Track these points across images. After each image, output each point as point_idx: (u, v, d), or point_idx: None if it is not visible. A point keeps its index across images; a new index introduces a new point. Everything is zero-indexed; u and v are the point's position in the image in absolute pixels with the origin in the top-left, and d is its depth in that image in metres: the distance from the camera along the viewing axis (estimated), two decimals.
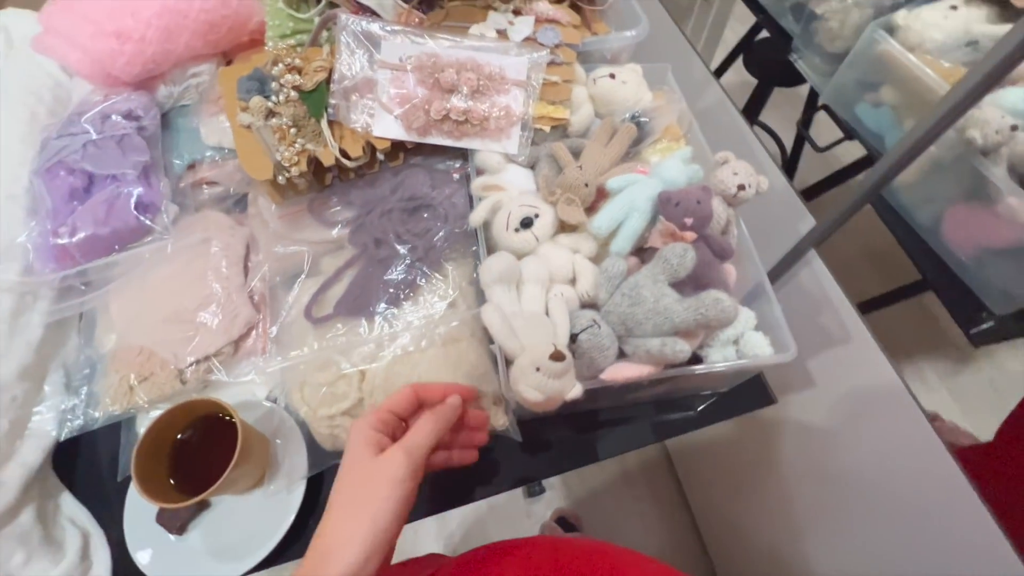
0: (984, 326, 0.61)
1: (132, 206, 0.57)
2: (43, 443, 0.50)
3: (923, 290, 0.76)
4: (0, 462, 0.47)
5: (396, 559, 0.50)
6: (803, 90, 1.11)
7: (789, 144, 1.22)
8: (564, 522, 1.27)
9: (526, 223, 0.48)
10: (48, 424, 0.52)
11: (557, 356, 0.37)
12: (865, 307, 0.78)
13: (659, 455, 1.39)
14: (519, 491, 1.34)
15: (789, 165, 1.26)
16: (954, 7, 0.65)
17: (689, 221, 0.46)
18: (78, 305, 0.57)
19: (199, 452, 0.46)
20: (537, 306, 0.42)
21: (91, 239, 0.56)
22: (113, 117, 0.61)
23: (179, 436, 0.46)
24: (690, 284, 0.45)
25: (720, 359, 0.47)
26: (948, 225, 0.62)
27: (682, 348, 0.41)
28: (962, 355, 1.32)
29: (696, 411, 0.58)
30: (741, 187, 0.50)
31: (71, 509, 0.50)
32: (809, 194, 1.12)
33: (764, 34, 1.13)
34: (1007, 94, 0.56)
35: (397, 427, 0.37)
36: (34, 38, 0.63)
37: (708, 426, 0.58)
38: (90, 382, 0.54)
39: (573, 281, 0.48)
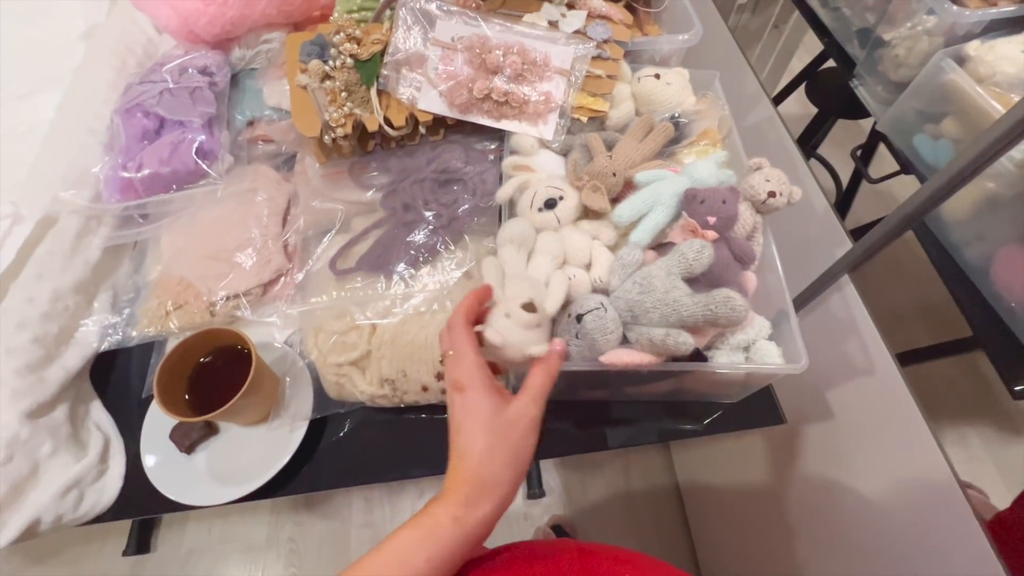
0: None
1: (193, 151, 0.62)
2: (84, 352, 0.55)
3: (972, 348, 0.71)
4: (46, 362, 0.52)
5: None
6: (865, 124, 1.07)
7: (846, 180, 1.17)
8: (559, 530, 1.26)
9: (550, 204, 0.49)
10: (91, 336, 0.56)
11: (528, 307, 0.38)
12: (909, 358, 0.74)
13: (668, 482, 1.35)
14: (519, 491, 1.34)
15: (844, 200, 1.21)
16: None
17: (712, 220, 0.46)
18: (134, 235, 0.63)
19: (217, 377, 0.50)
20: (540, 275, 0.43)
21: (153, 176, 0.61)
22: (190, 70, 0.67)
23: (201, 360, 0.50)
24: (705, 284, 0.45)
25: (729, 362, 0.46)
26: (998, 266, 0.58)
27: (685, 340, 0.40)
28: (1014, 425, 1.22)
29: (702, 421, 0.57)
30: (772, 194, 0.49)
31: (99, 415, 0.55)
32: (860, 233, 1.08)
33: (829, 64, 1.10)
34: None
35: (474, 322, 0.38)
36: None
37: (713, 435, 0.57)
38: (133, 304, 0.59)
39: (589, 267, 0.48)
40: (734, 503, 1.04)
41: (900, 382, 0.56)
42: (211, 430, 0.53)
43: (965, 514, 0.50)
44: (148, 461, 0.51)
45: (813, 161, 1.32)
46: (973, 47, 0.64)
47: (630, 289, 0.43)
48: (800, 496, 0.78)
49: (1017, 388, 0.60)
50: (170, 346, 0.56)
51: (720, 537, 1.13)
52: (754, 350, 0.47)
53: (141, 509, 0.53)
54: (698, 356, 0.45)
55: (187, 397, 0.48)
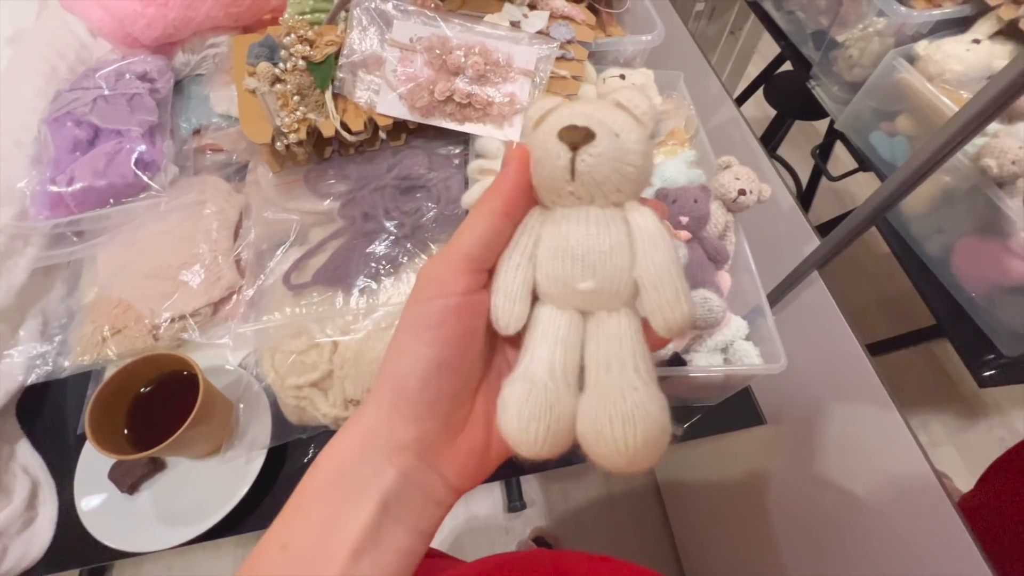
0: (992, 369, 0.58)
1: (132, 162, 0.57)
2: (7, 386, 0.50)
3: (936, 336, 0.73)
4: None
5: None
6: (820, 126, 1.10)
7: (805, 180, 1.21)
8: (542, 542, 1.23)
9: None
10: (16, 368, 0.51)
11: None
12: (875, 349, 0.75)
13: (648, 484, 1.34)
14: (499, 505, 1.30)
15: (804, 199, 1.24)
16: (977, 41, 0.64)
17: (685, 220, 0.45)
18: (67, 254, 0.57)
19: (161, 407, 0.45)
20: None
21: (87, 190, 0.56)
22: (127, 76, 0.62)
23: (141, 390, 0.45)
24: None
25: (707, 366, 0.45)
26: (958, 257, 0.60)
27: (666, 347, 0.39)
28: (972, 411, 1.27)
29: (684, 424, 0.56)
30: (742, 192, 0.48)
31: (25, 457, 0.49)
32: (823, 230, 1.11)
33: (786, 67, 1.13)
34: None
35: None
36: None
37: (695, 440, 0.55)
38: (66, 331, 0.53)
39: None
40: (714, 501, 1.03)
41: (871, 374, 0.56)
42: (156, 466, 0.48)
43: (940, 500, 0.50)
44: (83, 505, 0.46)
45: (773, 162, 1.35)
46: (922, 46, 0.66)
47: None
48: (779, 491, 0.78)
49: (985, 375, 0.61)
50: (109, 376, 0.51)
51: (701, 536, 1.12)
52: (732, 351, 0.46)
53: (79, 559, 0.47)
54: (676, 360, 0.43)
55: (126, 432, 0.44)
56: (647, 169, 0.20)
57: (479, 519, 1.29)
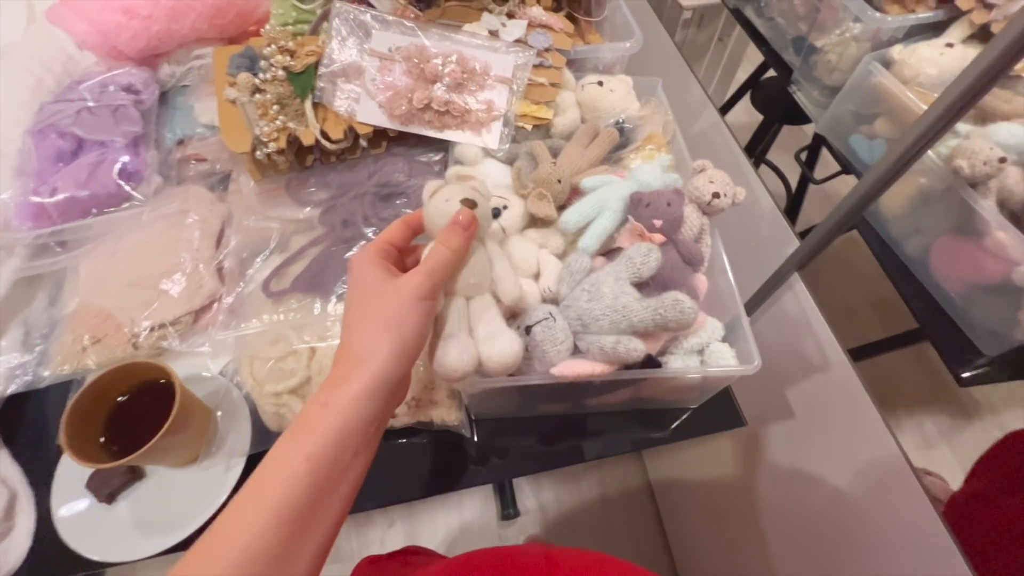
0: (972, 368, 0.58)
1: (115, 173, 0.58)
2: None
3: (919, 340, 0.73)
4: None
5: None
6: (809, 129, 1.11)
7: (796, 184, 1.21)
8: None
9: (495, 213, 0.47)
10: None
11: (468, 203, 0.38)
12: (862, 353, 0.75)
13: (641, 486, 1.34)
14: (492, 513, 1.29)
15: (794, 203, 1.25)
16: (950, 44, 0.65)
17: (658, 223, 0.45)
18: (50, 264, 0.57)
19: (138, 416, 0.45)
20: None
21: (69, 200, 0.56)
22: (111, 88, 0.63)
23: (118, 399, 0.45)
24: (656, 288, 0.44)
25: (682, 368, 0.45)
26: (935, 257, 0.60)
27: (636, 347, 0.39)
28: (966, 411, 1.27)
29: (665, 428, 0.56)
30: (716, 195, 0.49)
31: (5, 468, 0.49)
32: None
33: (771, 73, 1.14)
34: (998, 128, 0.55)
35: (397, 259, 0.37)
36: (48, 10, 0.65)
37: (677, 442, 0.55)
38: (47, 341, 0.53)
39: (537, 276, 0.47)
40: (706, 501, 1.03)
41: (853, 376, 0.56)
42: (135, 475, 0.48)
43: (920, 499, 0.51)
44: (61, 514, 0.46)
45: (763, 167, 1.36)
46: (897, 51, 0.67)
47: (579, 297, 0.42)
48: (767, 490, 0.78)
49: (964, 376, 0.61)
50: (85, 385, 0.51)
51: (695, 538, 1.12)
52: (708, 353, 0.46)
53: (56, 570, 0.47)
54: (651, 362, 0.43)
55: (103, 440, 0.44)
56: (491, 222, 0.40)
57: (473, 529, 1.28)
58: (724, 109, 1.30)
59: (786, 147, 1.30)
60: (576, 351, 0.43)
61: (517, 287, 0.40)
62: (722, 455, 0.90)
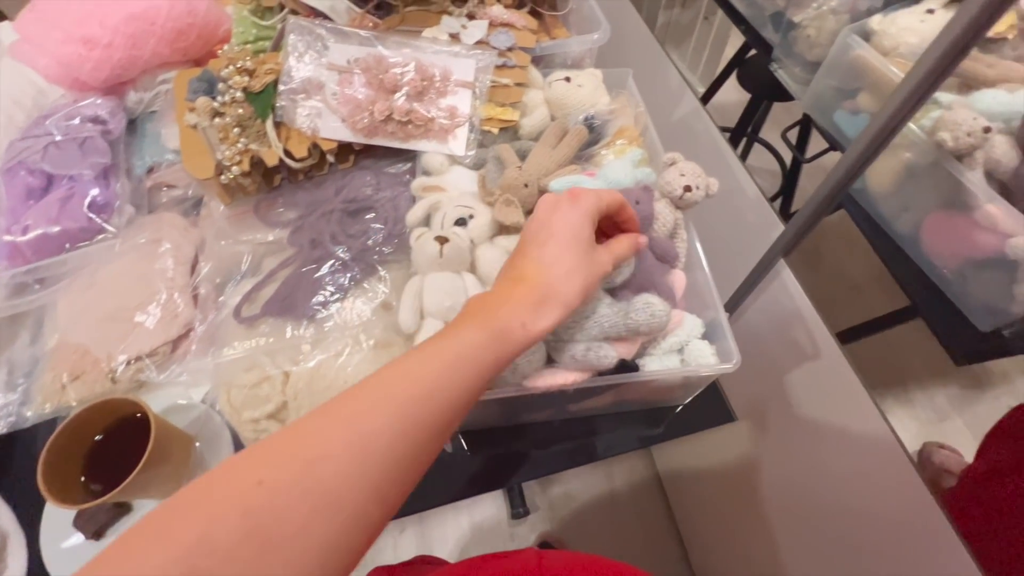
0: (968, 345, 0.57)
1: (85, 206, 0.58)
2: None
3: (910, 317, 0.71)
4: None
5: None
6: (799, 106, 1.08)
7: (790, 162, 1.19)
8: (548, 546, 1.22)
9: (460, 223, 0.46)
10: None
11: None
12: (852, 334, 0.73)
13: (649, 477, 1.33)
14: (503, 513, 1.29)
15: (788, 182, 1.22)
16: (931, 11, 0.62)
17: None
18: (28, 303, 0.57)
19: (117, 454, 0.45)
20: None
21: (42, 238, 0.56)
22: (77, 120, 0.62)
23: (96, 438, 0.45)
24: (632, 289, 0.43)
25: (661, 368, 0.44)
26: (926, 234, 0.58)
27: (607, 354, 0.38)
28: (978, 382, 1.24)
29: (656, 427, 0.55)
30: (688, 188, 0.47)
31: None
32: None
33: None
34: (982, 96, 0.53)
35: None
36: (10, 45, 0.65)
37: (664, 442, 0.55)
38: (29, 379, 0.53)
39: None
40: (712, 487, 1.02)
41: (843, 361, 0.55)
42: (122, 510, 0.48)
43: (914, 481, 0.49)
44: (51, 554, 0.46)
45: (759, 147, 1.33)
46: (876, 21, 0.65)
47: None
48: (770, 476, 0.77)
49: (961, 352, 0.60)
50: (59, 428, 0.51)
51: (703, 521, 1.11)
52: (688, 351, 0.45)
53: None
54: (628, 367, 0.42)
55: (83, 479, 0.44)
56: (467, 257, 0.45)
57: (484, 529, 1.28)
58: (712, 89, 1.27)
59: (781, 123, 1.27)
60: (550, 360, 0.42)
61: None
62: (725, 443, 0.89)
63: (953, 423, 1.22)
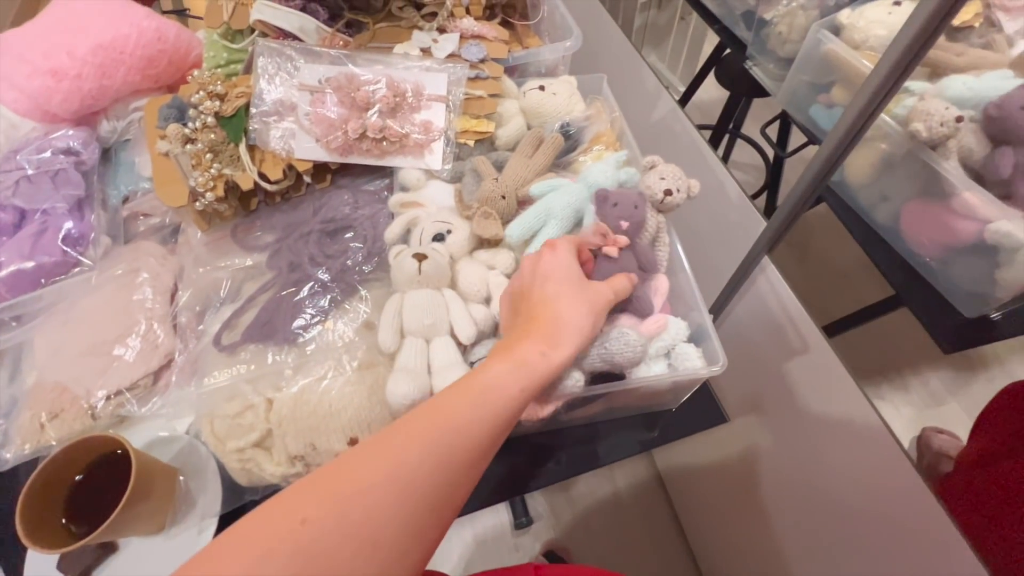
0: (955, 333, 0.57)
1: (60, 239, 0.57)
2: None
3: (895, 307, 0.71)
4: None
5: None
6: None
7: (773, 157, 1.19)
8: (552, 555, 1.21)
9: (438, 239, 0.46)
10: None
11: None
12: (838, 327, 0.74)
13: (650, 477, 1.32)
14: (506, 524, 1.28)
15: (773, 177, 1.23)
16: (897, 3, 0.63)
17: (625, 225, 0.43)
18: (5, 341, 0.56)
19: (99, 492, 0.44)
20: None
21: (16, 274, 0.55)
22: (49, 153, 0.61)
23: (77, 477, 0.44)
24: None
25: (650, 374, 0.44)
26: (905, 223, 0.58)
27: (570, 375, 0.37)
28: (971, 365, 1.25)
29: (650, 431, 0.54)
30: (668, 192, 0.47)
31: None
32: None
33: None
34: (951, 83, 0.53)
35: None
36: None
37: (661, 446, 0.54)
38: (8, 419, 0.52)
39: (489, 300, 0.45)
40: (713, 484, 1.02)
41: (830, 354, 0.55)
42: (108, 549, 0.47)
43: (906, 470, 0.49)
44: None
45: (703, 132, 1.34)
46: (845, 15, 0.65)
47: None
48: (768, 471, 0.77)
49: (948, 340, 0.60)
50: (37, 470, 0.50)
51: (706, 519, 1.11)
52: (674, 355, 0.45)
53: None
54: (611, 376, 0.42)
55: (64, 521, 0.42)
56: (447, 273, 0.45)
57: (487, 542, 1.27)
58: (693, 87, 1.28)
59: (763, 118, 1.28)
60: None
61: (472, 328, 0.42)
62: (722, 440, 0.89)
63: (949, 407, 1.22)
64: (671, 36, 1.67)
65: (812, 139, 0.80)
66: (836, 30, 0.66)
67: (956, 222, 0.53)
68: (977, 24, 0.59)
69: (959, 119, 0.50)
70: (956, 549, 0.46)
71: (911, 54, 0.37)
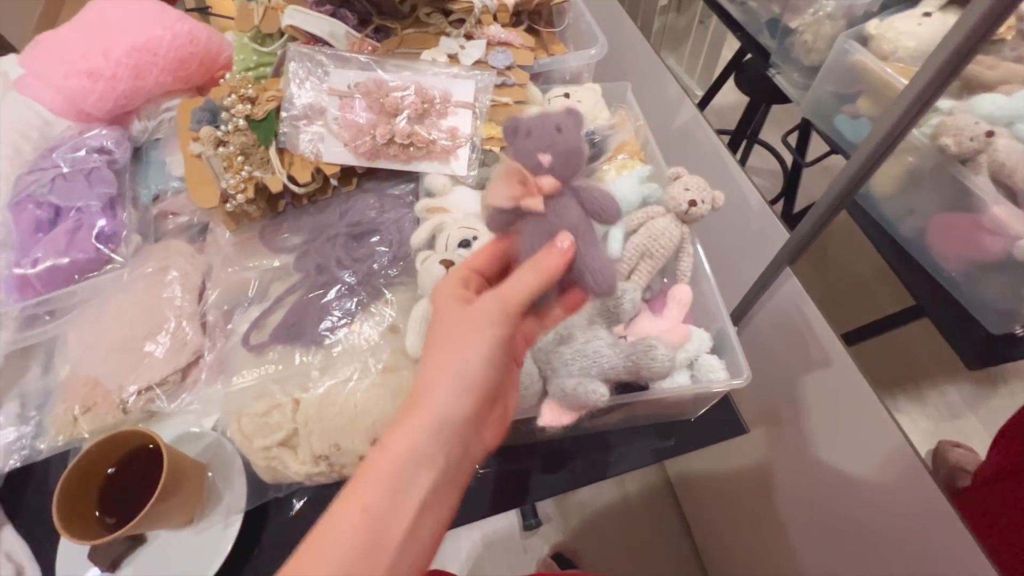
0: (981, 349, 0.56)
1: (93, 236, 0.58)
2: None
3: (917, 317, 0.71)
4: None
5: None
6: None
7: (791, 163, 1.18)
8: (561, 558, 1.21)
9: (464, 245, 0.47)
10: None
11: None
12: (858, 335, 0.73)
13: (660, 482, 1.32)
14: (515, 526, 1.29)
15: (790, 184, 1.22)
16: (927, 14, 0.62)
17: (546, 160, 0.27)
18: (39, 335, 0.58)
19: (130, 486, 0.45)
20: None
21: (51, 269, 0.57)
22: (83, 151, 0.63)
23: (109, 471, 0.45)
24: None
25: (673, 385, 0.44)
26: (932, 237, 0.58)
27: (596, 389, 0.37)
28: (991, 377, 1.23)
29: (668, 440, 0.54)
30: (693, 203, 0.47)
31: (9, 543, 0.50)
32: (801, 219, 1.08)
33: None
34: (981, 101, 0.53)
35: (483, 288, 0.30)
36: (16, 80, 0.66)
37: (676, 456, 0.54)
38: (42, 411, 0.54)
39: None
40: (723, 490, 1.02)
41: (852, 366, 0.55)
42: (136, 541, 0.48)
43: (927, 485, 0.49)
44: None
45: (721, 139, 1.33)
46: (873, 26, 0.65)
47: (550, 338, 0.41)
48: (782, 480, 0.76)
49: (974, 356, 0.59)
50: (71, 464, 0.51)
51: (716, 525, 1.10)
52: (697, 367, 0.45)
53: None
54: (638, 385, 0.42)
55: (97, 514, 0.44)
56: None
57: (496, 543, 1.27)
58: (711, 92, 1.27)
59: (781, 124, 1.26)
60: (545, 393, 0.42)
61: None
62: (735, 448, 0.88)
63: (967, 420, 1.20)
64: (690, 40, 1.66)
65: (835, 149, 0.79)
66: (863, 40, 0.65)
67: (984, 237, 0.52)
68: (1009, 37, 0.58)
69: (990, 133, 0.50)
70: (976, 566, 0.45)
71: (949, 69, 0.36)
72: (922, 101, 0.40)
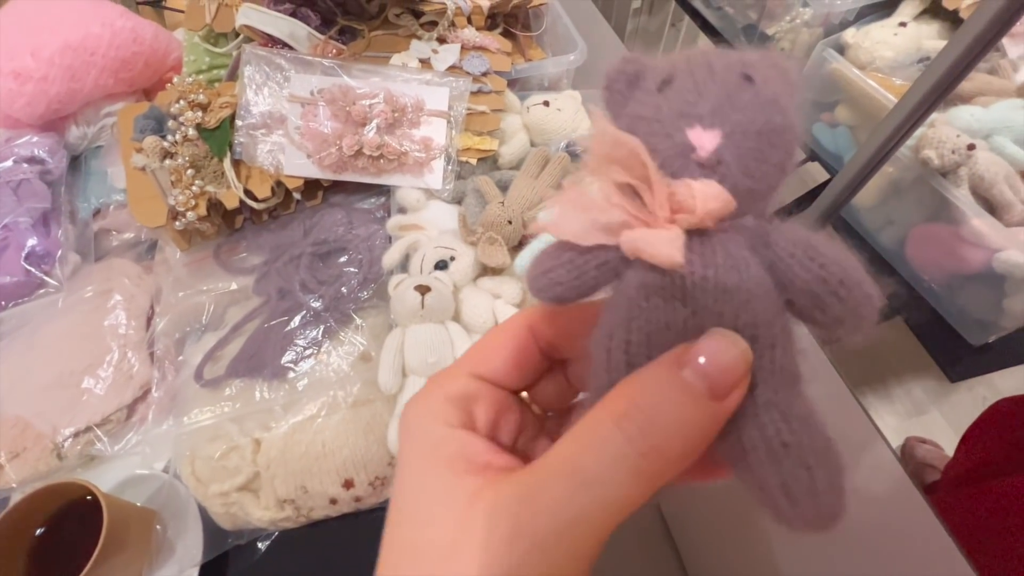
0: (961, 360, 0.56)
1: (23, 257, 0.52)
2: None
3: (895, 315, 0.71)
4: None
5: None
6: None
7: None
8: None
9: (441, 266, 0.43)
10: None
11: None
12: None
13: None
14: None
15: None
16: (903, 24, 0.62)
17: (711, 142, 0.09)
18: None
19: (67, 545, 0.40)
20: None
21: None
22: (11, 161, 0.57)
23: (39, 531, 0.40)
24: None
25: None
26: (912, 247, 0.58)
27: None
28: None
29: None
30: None
31: None
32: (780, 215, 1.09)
33: None
34: (959, 113, 0.52)
35: (496, 414, 0.17)
36: None
37: None
38: None
39: None
40: (704, 493, 1.01)
41: (826, 363, 0.54)
42: None
43: (903, 481, 0.48)
44: None
45: None
46: (850, 34, 0.64)
47: None
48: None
49: (955, 368, 0.59)
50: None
51: (696, 529, 1.10)
52: None
53: None
54: None
55: None
56: (451, 305, 0.42)
57: None
58: None
59: None
60: None
61: None
62: None
63: (931, 416, 1.24)
64: (661, 43, 1.67)
65: (812, 156, 0.79)
66: (841, 49, 0.65)
67: (964, 249, 0.52)
68: None
69: (971, 147, 0.49)
70: (952, 561, 0.45)
71: (941, 87, 0.35)
72: (914, 118, 0.39)
